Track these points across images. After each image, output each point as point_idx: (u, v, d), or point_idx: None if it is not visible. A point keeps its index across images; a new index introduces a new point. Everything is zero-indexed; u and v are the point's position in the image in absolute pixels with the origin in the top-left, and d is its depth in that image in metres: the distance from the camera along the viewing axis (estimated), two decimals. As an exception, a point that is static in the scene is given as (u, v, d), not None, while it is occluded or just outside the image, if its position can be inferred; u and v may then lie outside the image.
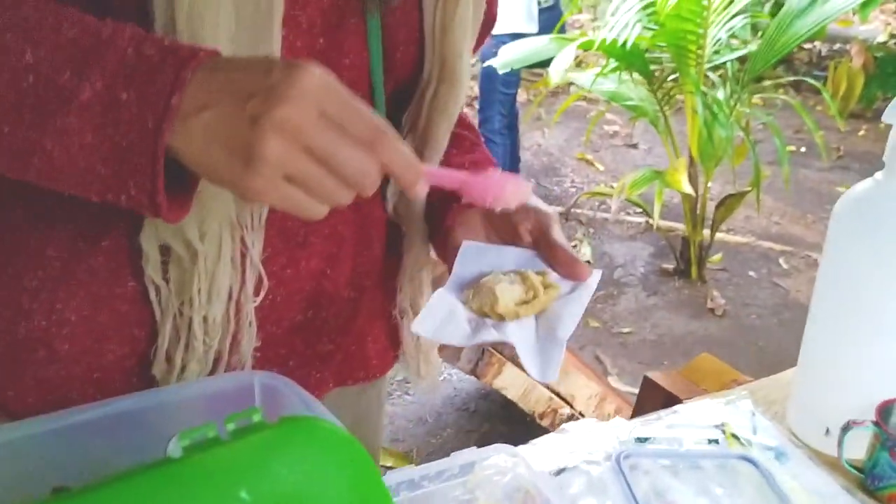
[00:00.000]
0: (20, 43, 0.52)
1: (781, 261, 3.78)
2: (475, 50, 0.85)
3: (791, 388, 1.02)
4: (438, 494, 0.81)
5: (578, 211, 4.25)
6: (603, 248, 3.91)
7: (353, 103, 0.52)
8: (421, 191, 0.58)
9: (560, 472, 0.88)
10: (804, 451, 0.95)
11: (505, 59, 3.31)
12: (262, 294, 0.72)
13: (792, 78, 5.09)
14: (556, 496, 0.78)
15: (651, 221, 3.90)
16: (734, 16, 3.09)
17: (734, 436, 0.95)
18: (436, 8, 0.72)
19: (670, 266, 3.66)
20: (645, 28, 3.10)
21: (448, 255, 0.78)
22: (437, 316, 0.69)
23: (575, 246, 3.90)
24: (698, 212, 3.46)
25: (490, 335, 0.68)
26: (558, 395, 2.17)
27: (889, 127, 0.86)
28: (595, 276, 0.73)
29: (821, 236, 4.00)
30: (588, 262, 3.70)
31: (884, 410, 0.90)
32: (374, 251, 0.83)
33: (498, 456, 0.84)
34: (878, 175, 0.88)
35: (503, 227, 0.76)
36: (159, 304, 0.69)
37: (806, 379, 0.99)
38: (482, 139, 0.91)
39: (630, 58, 3.07)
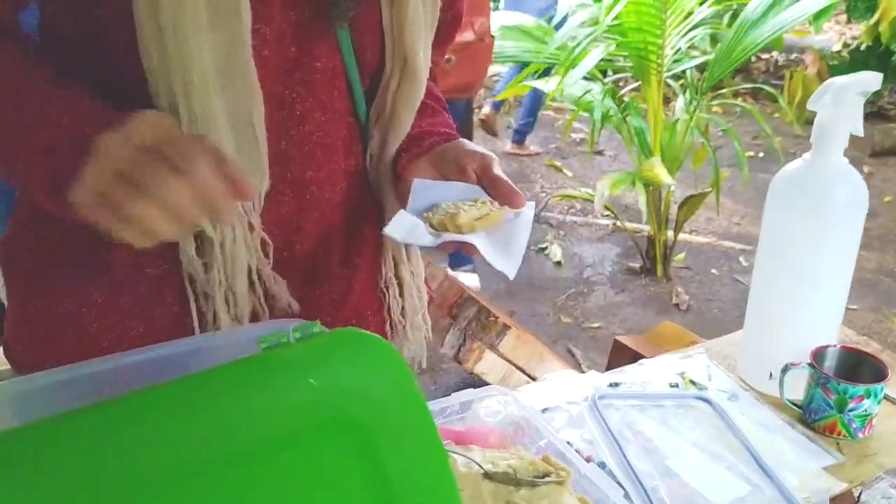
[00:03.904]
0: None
1: (741, 259, 3.97)
2: (444, 47, 0.96)
3: (740, 343, 1.17)
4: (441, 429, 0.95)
5: (549, 214, 4.41)
6: (573, 249, 4.07)
7: (175, 134, 0.62)
8: (229, 218, 0.64)
9: (545, 410, 1.02)
10: (752, 394, 1.10)
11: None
12: (271, 255, 0.83)
13: (750, 86, 5.31)
14: (543, 427, 0.92)
15: (618, 223, 4.09)
16: (693, 27, 3.28)
17: (692, 381, 1.10)
18: (391, 10, 0.82)
19: (637, 265, 3.83)
20: (607, 38, 3.28)
21: (403, 198, 0.86)
22: (403, 227, 0.77)
23: (545, 248, 4.06)
24: (662, 213, 3.64)
25: (453, 237, 0.76)
26: (534, 380, 2.31)
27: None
28: (531, 207, 0.82)
29: (778, 236, 4.22)
30: (559, 262, 3.91)
31: (817, 355, 1.06)
32: (365, 233, 0.94)
33: (492, 397, 0.99)
34: (807, 155, 1.04)
35: (452, 169, 0.84)
36: (191, 287, 0.82)
37: (752, 333, 1.15)
38: (447, 110, 0.99)
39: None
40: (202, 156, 0.61)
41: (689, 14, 3.26)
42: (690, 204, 3.55)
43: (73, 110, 0.69)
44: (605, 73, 3.87)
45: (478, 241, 0.76)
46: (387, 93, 0.86)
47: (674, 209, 3.69)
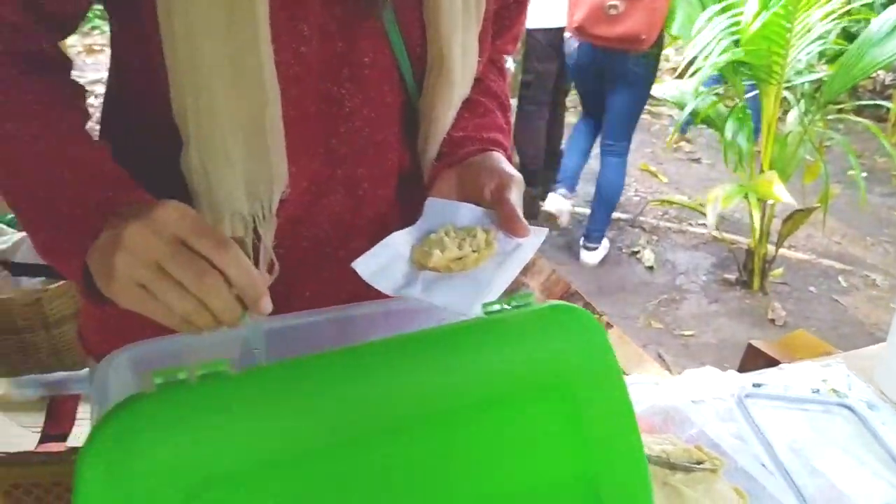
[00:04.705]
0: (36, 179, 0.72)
1: (841, 279, 3.89)
2: (508, 34, 0.93)
3: (881, 355, 1.18)
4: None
5: (643, 219, 4.40)
6: (666, 255, 4.05)
7: (203, 227, 0.62)
8: (264, 306, 0.64)
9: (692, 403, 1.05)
10: (891, 406, 1.12)
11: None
12: (274, 275, 0.80)
13: (861, 103, 5.18)
14: (696, 417, 0.96)
15: (714, 233, 4.05)
16: (814, 41, 3.23)
17: (833, 389, 1.12)
18: (431, 1, 0.80)
19: (732, 276, 3.79)
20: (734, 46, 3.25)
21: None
22: (379, 260, 0.76)
23: (637, 252, 4.05)
24: (764, 226, 3.59)
25: (413, 292, 0.74)
26: (633, 380, 2.34)
27: None
28: (536, 238, 0.77)
29: (879, 258, 4.12)
30: (651, 267, 3.89)
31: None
32: None
33: (638, 385, 1.03)
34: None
35: (471, 187, 0.81)
36: None
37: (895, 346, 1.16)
38: (504, 107, 0.95)
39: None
40: (226, 254, 0.62)
41: (809, 29, 3.21)
42: (796, 219, 3.50)
43: (96, 189, 0.70)
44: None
45: (437, 296, 0.73)
46: (427, 87, 0.84)
47: (775, 223, 3.64)
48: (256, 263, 0.81)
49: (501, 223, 0.77)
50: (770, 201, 3.55)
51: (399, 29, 0.80)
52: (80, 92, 0.81)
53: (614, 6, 3.19)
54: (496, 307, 0.66)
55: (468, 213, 0.80)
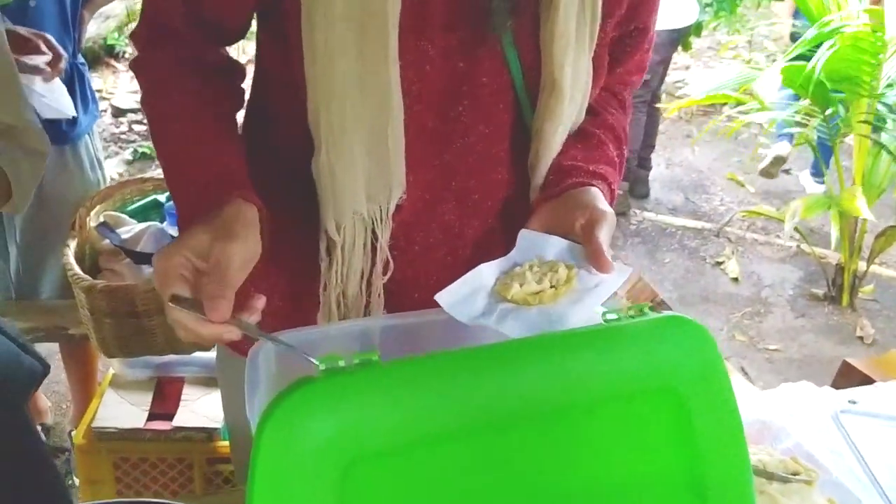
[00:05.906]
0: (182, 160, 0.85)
1: (935, 299, 3.78)
2: (630, 61, 0.95)
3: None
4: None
5: (728, 229, 4.35)
6: (752, 267, 4.00)
7: (156, 277, 0.74)
8: (228, 336, 0.73)
9: (786, 415, 1.08)
10: None
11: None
12: (389, 273, 0.89)
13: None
14: (794, 429, 0.99)
15: (803, 247, 3.97)
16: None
17: (930, 410, 1.13)
18: (546, 26, 0.83)
19: (820, 291, 3.73)
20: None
21: None
22: (462, 290, 0.79)
23: (722, 262, 4.01)
24: (856, 241, 3.52)
25: (489, 321, 0.76)
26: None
27: None
28: (619, 275, 0.79)
29: (977, 280, 3.98)
30: (735, 278, 3.85)
31: None
32: None
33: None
34: None
35: (564, 220, 0.84)
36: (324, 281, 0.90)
37: None
38: (620, 141, 0.96)
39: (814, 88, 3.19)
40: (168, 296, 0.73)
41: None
42: (888, 235, 3.42)
43: (212, 184, 0.81)
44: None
45: (511, 326, 0.75)
46: (539, 107, 0.87)
47: (867, 238, 3.57)
48: (374, 262, 0.89)
49: (587, 258, 0.79)
50: (862, 217, 3.48)
51: (516, 52, 0.86)
52: (238, 95, 0.91)
53: None
54: (614, 315, 0.71)
55: (556, 246, 0.83)
